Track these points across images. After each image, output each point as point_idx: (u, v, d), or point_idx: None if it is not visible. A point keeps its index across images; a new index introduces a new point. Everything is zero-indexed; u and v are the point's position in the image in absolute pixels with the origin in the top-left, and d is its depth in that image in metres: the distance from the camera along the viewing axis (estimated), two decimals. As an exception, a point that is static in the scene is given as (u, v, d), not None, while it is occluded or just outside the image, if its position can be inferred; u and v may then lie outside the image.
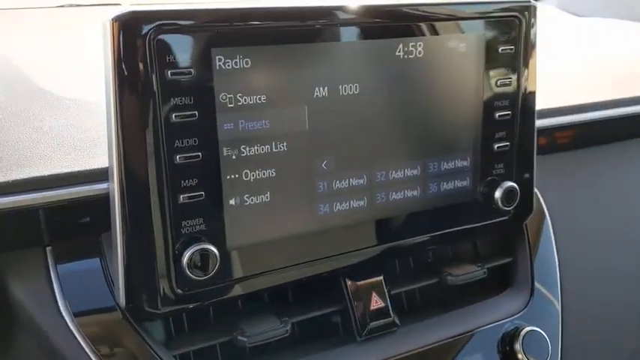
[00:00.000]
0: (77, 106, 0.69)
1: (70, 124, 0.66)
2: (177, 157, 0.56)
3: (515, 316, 0.74)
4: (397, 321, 0.70)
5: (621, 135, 0.99)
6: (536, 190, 0.83)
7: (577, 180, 0.93)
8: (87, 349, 0.58)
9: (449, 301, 0.77)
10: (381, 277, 0.71)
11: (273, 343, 0.67)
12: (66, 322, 0.59)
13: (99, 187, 0.59)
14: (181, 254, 0.56)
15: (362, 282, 0.70)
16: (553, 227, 0.84)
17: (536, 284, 0.78)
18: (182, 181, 0.56)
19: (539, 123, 0.84)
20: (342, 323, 0.69)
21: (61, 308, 0.59)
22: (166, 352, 0.60)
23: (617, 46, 1.23)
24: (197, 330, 0.64)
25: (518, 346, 0.71)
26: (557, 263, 0.80)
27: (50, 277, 0.60)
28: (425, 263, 0.79)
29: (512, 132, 0.74)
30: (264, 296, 0.69)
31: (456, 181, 0.73)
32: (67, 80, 0.78)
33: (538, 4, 0.75)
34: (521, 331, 0.72)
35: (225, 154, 0.58)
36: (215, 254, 0.57)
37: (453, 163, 0.72)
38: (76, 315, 0.59)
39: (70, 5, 1.22)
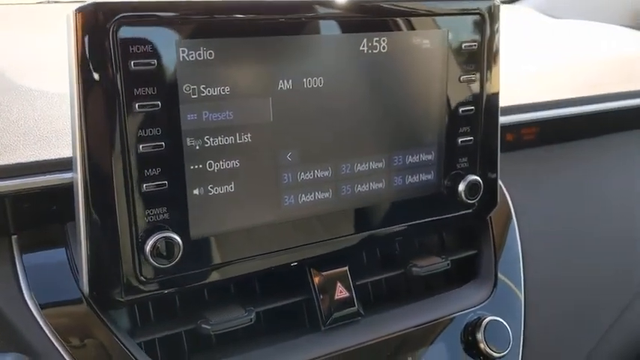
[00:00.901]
0: (46, 98, 0.69)
1: (37, 115, 0.66)
2: (141, 146, 0.56)
3: (478, 307, 0.76)
4: (361, 311, 0.71)
5: (587, 133, 1.02)
6: (501, 184, 0.85)
7: (542, 176, 0.95)
8: (53, 339, 0.58)
9: (414, 292, 0.79)
10: (346, 268, 0.72)
11: (239, 332, 0.68)
12: (32, 314, 0.59)
13: (64, 177, 0.60)
14: (144, 242, 0.57)
15: (327, 272, 0.71)
16: (518, 222, 0.86)
17: (500, 276, 0.80)
18: (145, 171, 0.57)
19: (504, 120, 0.86)
20: (307, 313, 0.70)
21: (27, 299, 0.60)
22: (131, 340, 0.60)
23: (588, 47, 1.25)
24: (162, 318, 0.65)
25: (480, 336, 0.73)
26: (520, 256, 0.82)
27: (16, 267, 0.61)
28: (390, 255, 0.80)
29: (476, 127, 0.76)
30: (229, 286, 0.70)
31: (421, 175, 0.74)
32: (41, 74, 0.78)
33: (515, 5, 0.77)
34: (483, 320, 0.73)
35: (188, 144, 0.59)
36: (178, 243, 0.58)
37: (417, 157, 0.73)
38: (42, 306, 0.60)
39: (49, 2, 1.23)
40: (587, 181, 0.98)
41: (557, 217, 0.91)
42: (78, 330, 0.59)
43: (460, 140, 0.75)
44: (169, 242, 0.58)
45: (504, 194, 0.87)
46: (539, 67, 1.08)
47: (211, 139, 0.60)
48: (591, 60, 1.14)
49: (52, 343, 0.58)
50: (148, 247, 0.57)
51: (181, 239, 0.58)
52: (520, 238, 0.84)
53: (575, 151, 1.00)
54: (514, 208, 0.87)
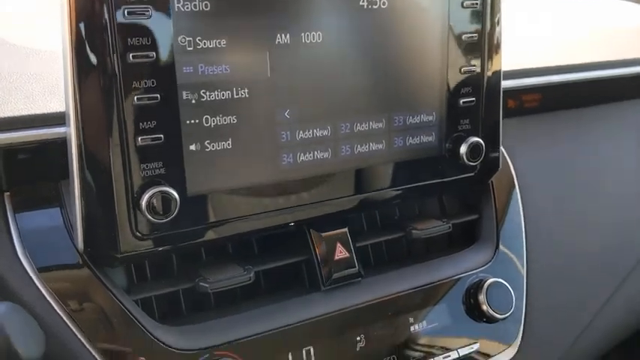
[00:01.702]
0: (37, 55, 0.68)
1: (29, 71, 0.65)
2: (136, 97, 0.55)
3: (480, 269, 0.75)
4: (361, 272, 0.70)
5: (591, 100, 1.00)
6: (503, 150, 0.84)
7: (545, 143, 0.93)
8: (48, 297, 0.57)
9: (414, 257, 0.78)
10: (346, 229, 0.71)
11: (237, 292, 0.67)
12: (27, 271, 0.58)
13: (56, 131, 0.59)
14: (140, 197, 0.56)
15: (326, 233, 0.70)
16: (520, 187, 0.85)
17: (502, 240, 0.78)
18: (140, 123, 0.56)
19: (507, 84, 0.85)
20: (307, 274, 0.69)
21: (21, 257, 0.59)
22: (127, 298, 0.60)
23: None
24: (159, 278, 0.64)
25: (482, 298, 0.72)
26: (522, 221, 0.81)
27: (9, 225, 0.60)
28: (390, 220, 0.79)
29: (477, 88, 0.75)
30: (227, 248, 0.69)
31: (422, 136, 0.73)
32: (33, 31, 0.77)
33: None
34: (484, 282, 0.72)
35: (184, 97, 0.58)
36: (175, 198, 0.57)
37: (418, 118, 0.72)
38: (37, 265, 0.58)
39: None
40: (591, 149, 0.97)
41: (560, 184, 0.90)
42: (73, 288, 0.59)
43: (462, 101, 0.74)
44: (166, 197, 0.57)
45: (506, 160, 0.86)
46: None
47: (207, 94, 0.59)
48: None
49: (48, 301, 0.57)
50: (143, 202, 0.56)
51: (178, 194, 0.57)
52: (522, 204, 0.83)
53: (578, 119, 0.98)
54: (516, 173, 0.86)
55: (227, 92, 0.60)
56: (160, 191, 0.56)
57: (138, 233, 0.57)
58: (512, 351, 0.74)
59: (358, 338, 0.66)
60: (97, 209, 0.56)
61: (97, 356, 0.56)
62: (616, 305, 0.84)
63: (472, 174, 0.76)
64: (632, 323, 0.85)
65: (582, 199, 0.91)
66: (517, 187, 0.84)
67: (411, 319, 0.70)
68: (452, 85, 0.73)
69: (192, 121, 0.59)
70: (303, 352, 0.63)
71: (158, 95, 0.56)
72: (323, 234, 0.70)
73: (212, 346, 0.59)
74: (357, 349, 0.66)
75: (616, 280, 0.87)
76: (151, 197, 0.56)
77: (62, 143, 0.58)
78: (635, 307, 0.85)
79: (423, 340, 0.69)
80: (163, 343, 0.58)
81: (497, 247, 0.78)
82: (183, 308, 0.64)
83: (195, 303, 0.65)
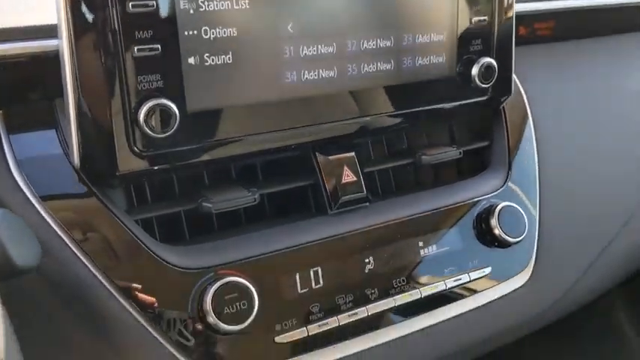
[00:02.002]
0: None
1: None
2: (130, 5, 0.52)
3: (491, 195, 0.73)
4: (369, 196, 0.68)
5: (604, 29, 0.96)
6: (515, 78, 0.81)
7: (558, 73, 0.90)
8: (45, 215, 0.56)
9: (424, 184, 0.75)
10: (353, 153, 0.69)
11: (242, 216, 0.65)
12: (18, 185, 0.56)
13: (49, 44, 0.56)
14: (138, 110, 0.54)
15: (333, 156, 0.67)
16: (532, 114, 0.82)
17: (514, 166, 0.76)
18: (136, 33, 0.53)
19: (520, 7, 0.82)
20: (313, 198, 0.67)
21: (16, 176, 0.57)
22: (128, 217, 0.58)
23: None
24: (160, 200, 0.62)
25: (494, 222, 0.70)
26: (535, 147, 0.78)
27: (2, 145, 0.57)
28: (399, 147, 0.76)
29: (490, 6, 0.71)
30: (231, 172, 0.67)
31: (432, 57, 0.70)
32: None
33: None
34: (497, 206, 0.70)
35: (182, 6, 0.55)
36: (174, 112, 0.55)
37: (428, 37, 0.69)
38: (32, 184, 0.56)
39: None
40: (605, 79, 0.93)
41: (573, 113, 0.87)
42: (71, 207, 0.57)
43: (473, 20, 0.70)
44: (164, 110, 0.54)
45: (518, 87, 0.83)
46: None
47: (206, 3, 0.56)
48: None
49: (45, 220, 0.55)
50: (141, 116, 0.54)
51: (177, 109, 0.55)
52: (534, 131, 0.80)
53: (592, 50, 0.95)
54: (528, 101, 0.83)
55: (227, 2, 0.57)
56: (158, 104, 0.54)
57: (136, 149, 0.55)
58: (524, 277, 0.72)
59: (367, 260, 0.65)
60: (93, 125, 0.54)
61: (97, 275, 0.55)
62: (628, 236, 0.82)
63: (484, 97, 0.73)
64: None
65: (595, 128, 0.87)
66: (529, 113, 0.81)
67: (421, 243, 0.68)
68: (463, 2, 0.69)
69: (191, 32, 0.56)
70: (311, 272, 0.61)
71: (154, 2, 0.53)
72: (330, 157, 0.67)
73: (216, 265, 0.58)
74: (366, 271, 0.64)
75: (628, 211, 0.84)
76: (149, 111, 0.54)
77: (55, 57, 0.55)
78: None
79: (432, 264, 0.68)
80: (165, 262, 0.56)
81: (508, 173, 0.75)
82: (186, 231, 0.62)
83: (198, 227, 0.63)
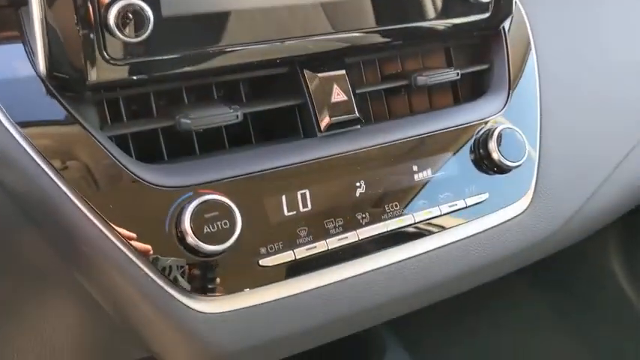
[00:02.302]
0: None
1: None
2: None
3: (489, 118, 0.69)
4: (361, 118, 0.64)
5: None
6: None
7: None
8: (10, 128, 0.51)
9: (419, 110, 0.71)
10: (344, 71, 0.64)
11: (225, 138, 0.61)
12: None
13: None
14: (108, 11, 0.49)
15: (322, 74, 0.63)
16: (534, 38, 0.77)
17: (513, 90, 0.72)
18: None
19: None
20: (301, 120, 0.63)
21: None
22: (100, 133, 0.53)
23: None
24: (136, 119, 0.58)
25: (492, 145, 0.66)
26: (536, 71, 0.74)
27: None
28: (393, 71, 0.72)
29: None
30: (212, 93, 0.62)
31: (428, -32, 0.65)
32: None
33: None
34: (495, 130, 0.66)
35: None
36: (147, 15, 0.50)
37: (423, -55, 0.64)
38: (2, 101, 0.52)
39: None
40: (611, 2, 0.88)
41: (575, 37, 0.82)
42: (38, 119, 0.52)
43: None
44: (137, 12, 0.49)
45: (520, 9, 0.78)
46: None
47: None
48: None
49: (9, 132, 0.51)
50: (111, 17, 0.49)
51: (152, 12, 0.50)
52: (536, 55, 0.76)
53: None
54: (530, 24, 0.78)
55: None
56: (130, 4, 0.49)
57: (107, 56, 0.50)
58: (522, 205, 0.69)
59: (358, 184, 0.61)
60: (60, 28, 0.49)
61: (67, 192, 0.51)
62: (630, 166, 0.78)
63: (484, 15, 0.69)
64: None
65: (600, 55, 0.83)
66: (531, 36, 0.77)
67: (415, 168, 0.64)
68: None
69: None
70: (298, 195, 0.58)
71: None
72: (319, 75, 0.63)
73: (195, 184, 0.54)
74: (357, 195, 0.61)
75: (631, 142, 0.80)
76: (119, 12, 0.49)
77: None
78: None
79: (427, 189, 0.64)
80: (141, 179, 0.52)
81: (508, 97, 0.71)
82: (164, 150, 0.58)
83: (177, 148, 0.59)
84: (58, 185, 0.51)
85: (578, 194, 0.73)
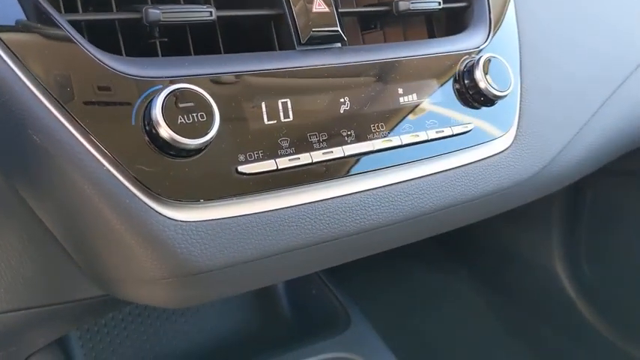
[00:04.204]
0: None
1: None
2: None
3: (474, 49, 0.65)
4: (343, 35, 0.59)
5: None
6: None
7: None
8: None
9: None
10: (326, -17, 0.59)
11: (191, 45, 0.54)
12: None
13: None
14: None
15: (301, -15, 0.58)
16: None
17: (495, 26, 0.69)
18: None
19: None
20: (278, 33, 0.57)
21: None
22: (59, 15, 0.46)
23: None
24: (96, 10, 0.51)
25: (479, 74, 0.62)
26: (515, 9, 0.72)
27: None
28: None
29: None
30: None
31: None
32: None
33: None
34: (481, 59, 0.63)
35: None
36: None
37: None
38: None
39: None
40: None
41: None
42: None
43: None
44: None
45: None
46: None
47: None
48: None
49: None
50: None
51: None
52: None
53: None
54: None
55: None
56: None
57: None
58: (507, 141, 0.66)
59: (342, 100, 0.56)
60: None
61: (27, 83, 0.43)
62: (611, 111, 0.77)
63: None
64: (626, 132, 0.78)
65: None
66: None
67: (401, 90, 0.59)
68: None
69: None
70: (279, 104, 0.52)
71: None
72: (297, -15, 0.58)
73: (168, 77, 0.47)
74: (342, 111, 0.55)
75: (613, 84, 0.79)
76: None
77: None
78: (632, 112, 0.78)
79: (413, 114, 0.60)
80: (107, 65, 0.45)
81: (489, 32, 0.68)
82: (122, 48, 0.51)
83: (143, 49, 0.52)
84: (10, 67, 0.43)
85: (560, 136, 0.71)
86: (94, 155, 0.44)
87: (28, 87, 0.44)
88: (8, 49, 0.44)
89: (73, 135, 0.44)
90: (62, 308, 0.55)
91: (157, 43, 0.53)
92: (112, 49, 0.49)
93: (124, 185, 0.45)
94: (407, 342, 1.01)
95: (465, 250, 1.39)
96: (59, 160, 0.44)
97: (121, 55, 0.50)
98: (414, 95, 0.60)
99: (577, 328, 1.22)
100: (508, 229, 1.30)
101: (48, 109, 0.44)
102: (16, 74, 0.43)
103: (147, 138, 0.45)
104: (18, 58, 0.44)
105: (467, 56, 0.65)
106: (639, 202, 1.14)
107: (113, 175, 0.45)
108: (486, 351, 1.35)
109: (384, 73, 0.59)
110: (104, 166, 0.44)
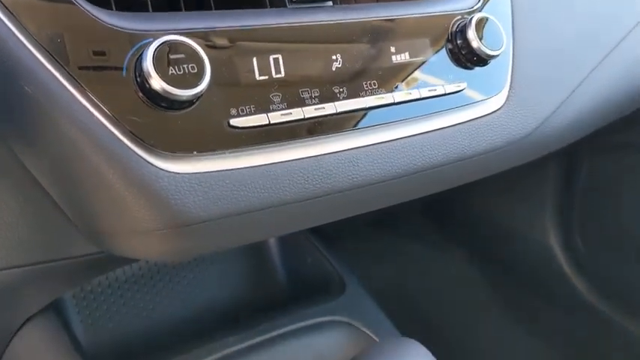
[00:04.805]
0: None
1: None
2: None
3: (466, 10, 0.66)
4: (336, -7, 0.59)
5: None
6: None
7: None
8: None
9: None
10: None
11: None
12: None
13: None
14: None
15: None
16: None
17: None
18: None
19: None
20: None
21: None
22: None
23: None
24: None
25: (471, 34, 0.62)
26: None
27: None
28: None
29: None
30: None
31: None
32: None
33: None
34: (473, 19, 0.63)
35: None
36: None
37: None
38: None
39: None
40: None
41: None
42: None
43: None
44: None
45: None
46: None
47: None
48: None
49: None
50: None
51: None
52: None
53: None
54: None
55: None
56: None
57: None
58: (499, 100, 0.66)
59: (334, 57, 0.56)
60: None
61: (19, 35, 0.43)
62: (603, 75, 0.77)
63: None
64: (620, 93, 0.78)
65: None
66: None
67: (393, 49, 0.59)
68: None
69: None
70: (270, 59, 0.52)
71: None
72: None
73: (159, 30, 0.47)
74: (333, 69, 0.55)
75: (606, 47, 0.79)
76: None
77: None
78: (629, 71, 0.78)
79: (406, 72, 0.60)
80: (97, 18, 0.45)
81: (480, -5, 0.69)
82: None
83: (132, 4, 0.52)
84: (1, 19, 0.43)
85: (553, 97, 0.71)
86: (86, 107, 0.45)
87: (19, 39, 0.44)
88: (-1, 2, 0.44)
89: (65, 87, 0.44)
90: (58, 266, 0.56)
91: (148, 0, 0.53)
92: (102, 3, 0.49)
93: (117, 137, 0.45)
94: (401, 310, 1.02)
95: (459, 223, 1.40)
96: (52, 112, 0.45)
97: (111, 10, 0.51)
98: (407, 54, 0.60)
99: (571, 300, 1.23)
100: (502, 203, 1.31)
101: (39, 61, 0.44)
102: (6, 25, 0.44)
103: (139, 90, 0.46)
104: (9, 10, 0.44)
105: (459, 17, 0.65)
106: (633, 174, 1.15)
107: (106, 126, 0.45)
108: (479, 322, 1.37)
109: (377, 32, 0.59)
110: (97, 118, 0.45)
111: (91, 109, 0.45)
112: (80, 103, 0.44)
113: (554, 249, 1.23)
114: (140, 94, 0.46)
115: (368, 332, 0.78)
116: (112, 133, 0.45)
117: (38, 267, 0.55)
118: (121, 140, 0.45)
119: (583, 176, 1.21)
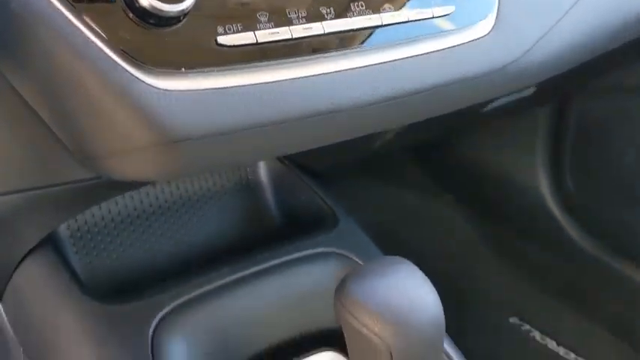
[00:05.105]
0: None
1: None
2: None
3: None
4: None
5: None
6: None
7: None
8: None
9: None
10: None
11: None
12: None
13: None
14: None
15: None
16: None
17: None
18: None
19: None
20: None
21: None
22: None
23: None
24: None
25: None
26: None
27: None
28: None
29: None
30: None
31: None
32: None
33: None
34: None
35: None
36: None
37: None
38: None
39: None
40: None
41: None
42: None
43: None
44: None
45: None
46: None
47: None
48: None
49: None
50: None
51: None
52: None
53: None
54: None
55: None
56: None
57: None
58: (487, 25, 0.66)
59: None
60: None
61: None
62: (586, 8, 0.77)
63: None
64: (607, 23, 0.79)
65: None
66: None
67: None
68: None
69: None
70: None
71: None
72: None
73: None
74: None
75: None
76: None
77: None
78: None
79: (392, -5, 0.60)
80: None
81: None
82: None
83: None
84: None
85: (540, 22, 0.71)
86: (76, 26, 0.45)
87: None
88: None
89: (55, 7, 0.45)
90: (52, 192, 0.57)
91: None
92: None
93: (106, 54, 0.46)
94: (391, 251, 1.04)
95: (450, 170, 1.41)
96: (38, 31, 0.45)
97: None
98: (392, -23, 0.60)
99: (562, 244, 1.25)
100: (493, 149, 1.32)
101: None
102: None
103: (127, 6, 0.46)
104: None
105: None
106: (623, 118, 1.16)
107: (96, 44, 0.45)
108: (472, 266, 1.39)
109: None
110: (87, 36, 0.45)
111: (81, 28, 0.45)
112: (67, 18, 0.45)
113: (545, 193, 1.25)
114: (128, 10, 0.46)
115: (360, 262, 0.80)
116: (100, 49, 0.46)
117: (32, 193, 0.56)
118: (109, 56, 0.46)
119: (573, 120, 1.22)
